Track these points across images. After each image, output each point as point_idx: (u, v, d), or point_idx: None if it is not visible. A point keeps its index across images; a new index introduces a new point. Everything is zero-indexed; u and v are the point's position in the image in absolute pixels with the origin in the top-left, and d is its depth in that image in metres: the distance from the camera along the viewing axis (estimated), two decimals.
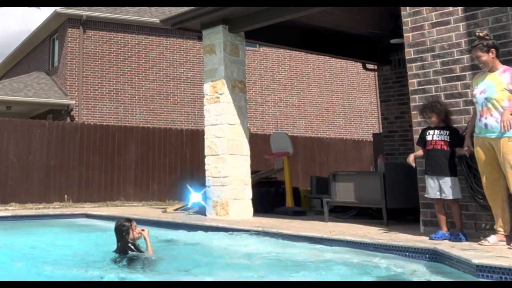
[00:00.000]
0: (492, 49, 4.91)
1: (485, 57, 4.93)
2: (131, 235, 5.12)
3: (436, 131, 5.48)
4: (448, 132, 5.43)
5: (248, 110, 9.25)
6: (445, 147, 5.39)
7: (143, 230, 5.24)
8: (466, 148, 5.24)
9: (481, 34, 4.99)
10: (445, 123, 5.52)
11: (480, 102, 4.93)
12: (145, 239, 5.20)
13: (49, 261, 4.97)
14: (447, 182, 5.32)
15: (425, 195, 5.58)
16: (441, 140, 5.42)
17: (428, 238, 5.31)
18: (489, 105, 4.83)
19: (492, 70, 4.94)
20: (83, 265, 4.79)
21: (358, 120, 22.85)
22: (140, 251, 5.14)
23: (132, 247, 5.12)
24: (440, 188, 5.36)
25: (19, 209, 10.76)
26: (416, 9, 6.06)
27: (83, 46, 17.84)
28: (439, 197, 5.39)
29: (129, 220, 5.22)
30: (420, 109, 5.73)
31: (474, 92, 5.03)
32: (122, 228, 5.15)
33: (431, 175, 5.45)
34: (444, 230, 5.34)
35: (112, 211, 9.86)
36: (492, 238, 4.82)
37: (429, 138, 5.51)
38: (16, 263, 4.93)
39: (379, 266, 4.60)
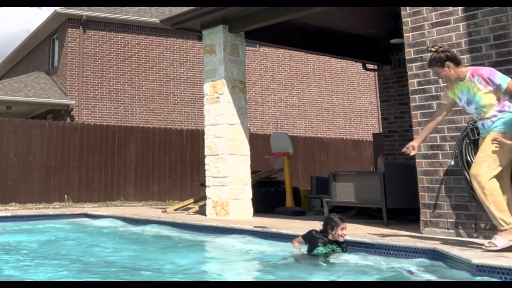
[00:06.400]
0: (447, 63, 4.72)
1: (443, 72, 4.78)
2: (333, 233, 5.02)
3: None
4: None
5: (248, 110, 9.24)
6: None
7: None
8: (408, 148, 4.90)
9: (432, 49, 4.81)
10: None
11: (472, 112, 4.82)
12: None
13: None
14: None
15: None
16: None
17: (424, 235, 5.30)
18: (482, 113, 4.69)
19: (460, 78, 4.76)
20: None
21: (358, 120, 22.85)
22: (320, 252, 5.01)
23: (325, 244, 5.02)
24: None
25: (19, 209, 10.75)
26: (416, 9, 6.06)
27: (83, 46, 17.84)
28: None
29: (342, 220, 5.09)
30: None
31: (461, 105, 4.88)
32: (331, 222, 5.03)
33: None
34: None
35: (112, 211, 9.85)
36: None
37: None
38: None
39: (379, 266, 4.60)
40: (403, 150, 4.95)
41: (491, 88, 4.60)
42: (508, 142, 4.40)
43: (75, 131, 13.36)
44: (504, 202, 4.49)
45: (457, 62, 4.77)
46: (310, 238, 5.19)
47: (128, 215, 8.79)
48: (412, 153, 4.94)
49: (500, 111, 4.59)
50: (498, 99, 4.60)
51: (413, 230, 6.07)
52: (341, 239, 5.08)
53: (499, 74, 4.63)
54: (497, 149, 4.48)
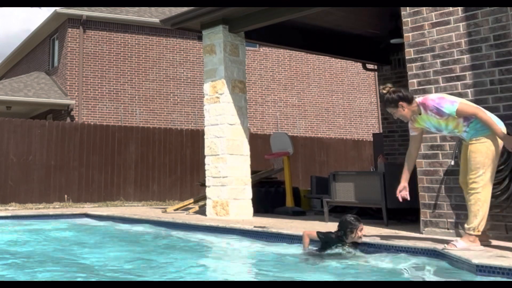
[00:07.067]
0: (400, 103, 4.75)
1: (398, 112, 4.80)
2: (352, 235, 5.04)
3: None
4: None
5: (248, 110, 9.24)
6: None
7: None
8: None
9: (384, 90, 4.83)
10: None
11: (447, 134, 4.93)
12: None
13: None
14: None
15: None
16: None
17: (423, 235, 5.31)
18: (456, 133, 4.77)
19: (416, 112, 4.80)
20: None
21: (358, 120, 22.85)
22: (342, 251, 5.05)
23: (346, 247, 5.05)
24: None
25: (19, 209, 10.75)
26: (416, 9, 6.06)
27: (83, 46, 17.84)
28: None
29: (359, 220, 5.11)
30: None
31: (432, 131, 4.96)
32: (349, 225, 5.03)
33: None
34: None
35: (112, 211, 9.86)
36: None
37: None
38: None
39: (379, 266, 4.60)
40: (397, 195, 4.92)
41: (446, 116, 4.65)
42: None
43: (75, 131, 13.36)
44: (487, 212, 4.57)
45: (409, 100, 4.77)
46: (328, 240, 5.15)
47: (128, 215, 8.79)
48: (404, 194, 4.88)
49: (469, 124, 4.64)
50: (462, 118, 4.63)
51: (413, 230, 6.07)
52: (360, 241, 5.08)
53: (446, 104, 4.63)
54: (486, 155, 4.52)
